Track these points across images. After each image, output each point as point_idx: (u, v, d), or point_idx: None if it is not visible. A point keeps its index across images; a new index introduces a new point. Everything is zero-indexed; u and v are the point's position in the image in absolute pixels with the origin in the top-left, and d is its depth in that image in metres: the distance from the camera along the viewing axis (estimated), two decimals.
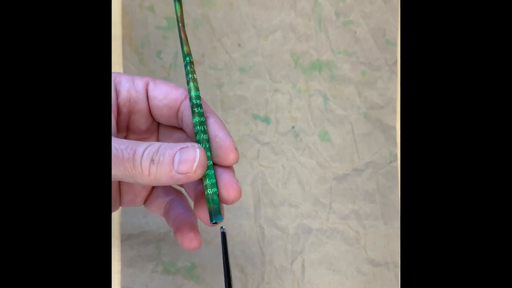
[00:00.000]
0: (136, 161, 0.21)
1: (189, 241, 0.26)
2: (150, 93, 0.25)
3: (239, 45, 0.40)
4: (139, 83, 0.25)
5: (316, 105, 0.41)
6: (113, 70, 0.39)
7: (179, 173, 0.22)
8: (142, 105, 0.26)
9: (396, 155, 0.41)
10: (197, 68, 0.40)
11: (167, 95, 0.25)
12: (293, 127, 0.40)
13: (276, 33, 0.40)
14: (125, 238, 0.39)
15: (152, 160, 0.21)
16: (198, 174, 0.22)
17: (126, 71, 0.39)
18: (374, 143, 0.41)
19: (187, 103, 0.25)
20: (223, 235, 0.26)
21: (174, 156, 0.22)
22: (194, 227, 0.26)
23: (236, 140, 0.40)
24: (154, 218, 0.39)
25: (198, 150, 0.22)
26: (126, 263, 0.39)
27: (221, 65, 0.40)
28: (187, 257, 0.39)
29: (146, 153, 0.22)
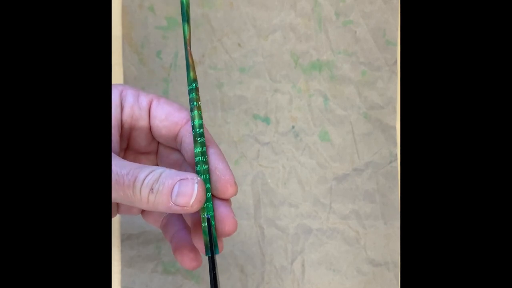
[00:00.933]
0: (136, 188, 0.21)
1: (189, 261, 0.26)
2: (153, 112, 0.25)
3: (239, 45, 0.40)
4: (144, 100, 0.25)
5: (316, 105, 0.41)
6: (113, 70, 0.39)
7: (177, 205, 0.22)
8: (144, 122, 0.25)
9: (396, 155, 0.41)
10: (197, 68, 0.40)
11: (168, 116, 0.25)
12: (293, 127, 0.40)
13: (276, 33, 0.40)
14: (125, 238, 0.39)
15: (151, 189, 0.21)
16: (195, 208, 0.22)
17: (126, 71, 0.39)
18: (374, 143, 0.41)
19: (187, 128, 0.25)
20: (211, 259, 0.24)
21: (173, 188, 0.22)
22: (194, 247, 0.26)
23: (236, 140, 0.40)
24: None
25: (196, 186, 0.22)
26: (126, 263, 0.39)
27: (221, 65, 0.40)
28: None
29: (146, 181, 0.22)
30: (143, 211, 0.29)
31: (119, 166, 0.22)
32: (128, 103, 0.25)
